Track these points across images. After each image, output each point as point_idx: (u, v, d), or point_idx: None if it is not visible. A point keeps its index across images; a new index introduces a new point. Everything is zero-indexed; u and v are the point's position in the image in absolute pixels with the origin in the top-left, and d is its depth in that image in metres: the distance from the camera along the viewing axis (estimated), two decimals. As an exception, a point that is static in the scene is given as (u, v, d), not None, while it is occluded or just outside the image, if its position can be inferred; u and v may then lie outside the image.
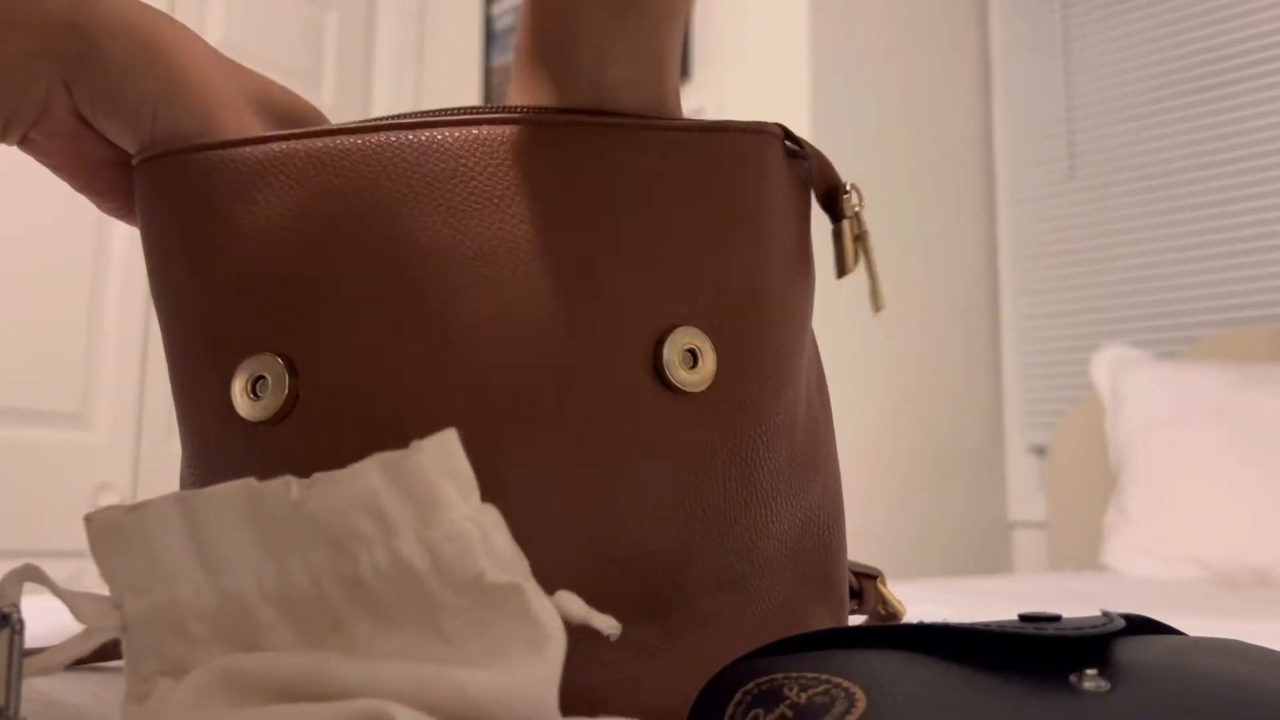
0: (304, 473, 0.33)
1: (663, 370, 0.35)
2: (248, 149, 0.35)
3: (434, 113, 0.36)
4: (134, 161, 0.38)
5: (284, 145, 0.35)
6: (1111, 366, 1.80)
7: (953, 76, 2.14)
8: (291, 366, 0.34)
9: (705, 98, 2.00)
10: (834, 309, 1.82)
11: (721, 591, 0.36)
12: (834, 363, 1.84)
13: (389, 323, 0.33)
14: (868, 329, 1.91)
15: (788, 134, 0.40)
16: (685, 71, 2.03)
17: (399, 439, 0.33)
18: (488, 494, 0.33)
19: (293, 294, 0.34)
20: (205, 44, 0.40)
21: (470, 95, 2.45)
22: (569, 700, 0.33)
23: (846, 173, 1.89)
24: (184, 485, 0.39)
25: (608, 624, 0.26)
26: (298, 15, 2.37)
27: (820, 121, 1.86)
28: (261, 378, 0.34)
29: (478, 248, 0.34)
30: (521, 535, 0.33)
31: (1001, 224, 2.17)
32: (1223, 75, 1.90)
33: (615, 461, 0.34)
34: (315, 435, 0.34)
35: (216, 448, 0.36)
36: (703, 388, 0.36)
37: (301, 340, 0.34)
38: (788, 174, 0.39)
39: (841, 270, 0.41)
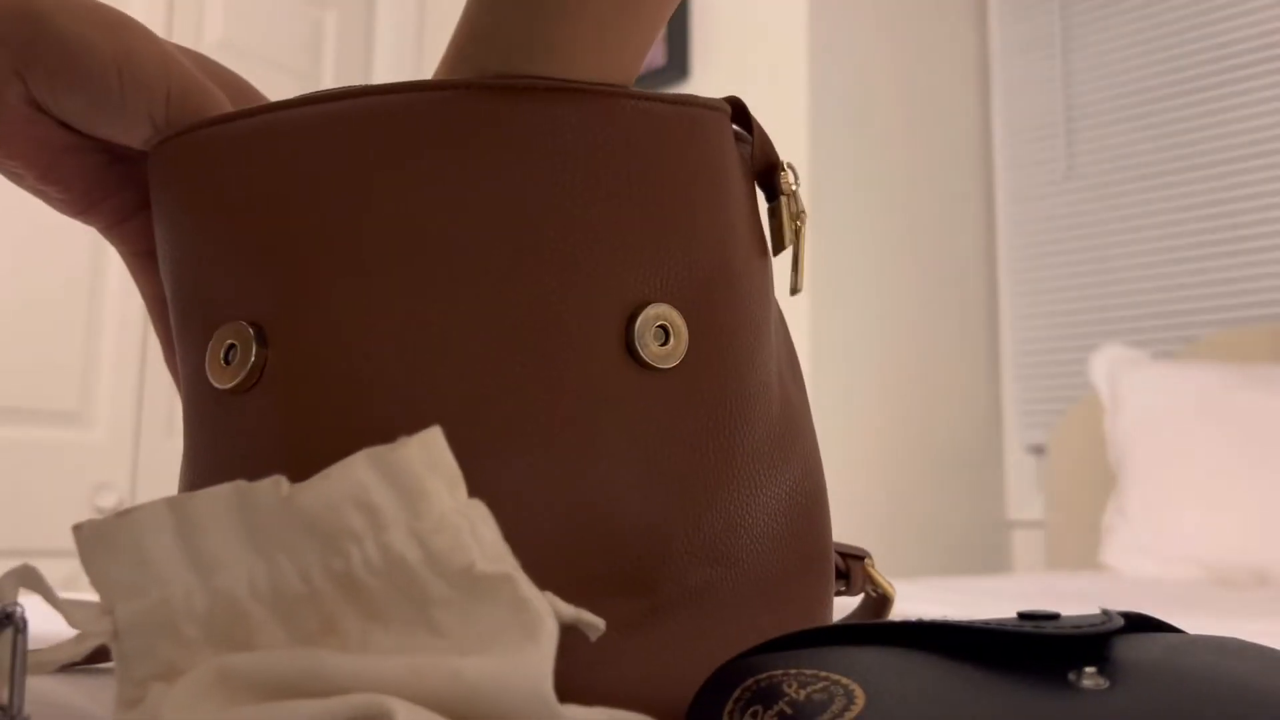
0: (273, 444, 0.33)
1: (634, 346, 0.35)
2: (240, 122, 0.35)
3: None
4: (149, 148, 0.38)
5: (270, 116, 0.35)
6: (1110, 366, 1.80)
7: (951, 75, 2.14)
8: (261, 335, 0.34)
9: (703, 95, 1.99)
10: (833, 307, 1.82)
11: (710, 566, 0.36)
12: (832, 362, 1.84)
13: (358, 294, 0.33)
14: (866, 327, 1.91)
15: (737, 112, 0.40)
16: (683, 69, 2.03)
17: (367, 412, 0.33)
18: (459, 467, 0.32)
19: (266, 263, 0.34)
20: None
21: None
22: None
23: (844, 170, 1.89)
24: (183, 461, 0.39)
25: (595, 622, 0.26)
26: (297, 15, 2.36)
27: (818, 120, 1.86)
28: (232, 345, 0.34)
29: (449, 218, 0.34)
30: (494, 509, 0.32)
31: (1000, 223, 2.17)
32: (1221, 74, 1.90)
33: (587, 435, 0.34)
34: (282, 405, 0.33)
35: (199, 419, 0.36)
36: (674, 363, 0.35)
37: (272, 309, 0.34)
38: (738, 151, 0.39)
39: (777, 247, 0.41)
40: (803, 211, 0.41)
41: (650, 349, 0.35)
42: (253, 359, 0.34)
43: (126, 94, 0.37)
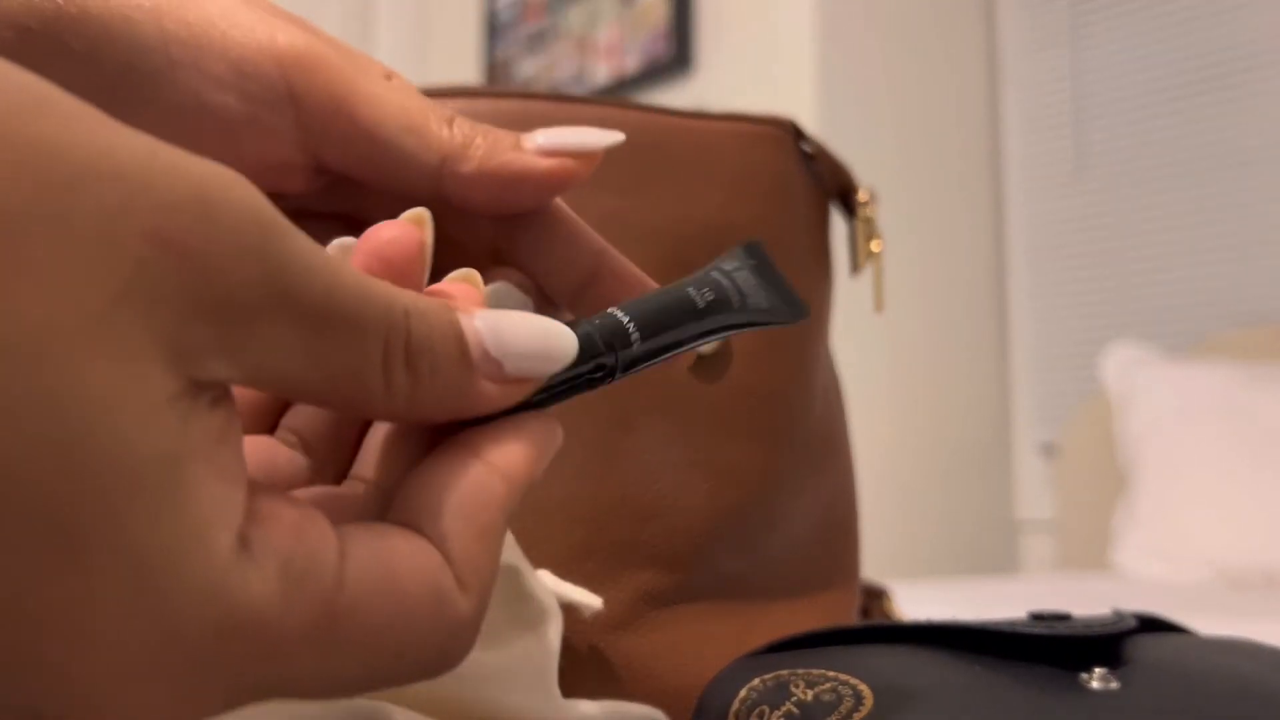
0: None
1: None
2: None
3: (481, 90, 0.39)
4: None
5: None
6: (1121, 364, 1.79)
7: (961, 72, 2.13)
8: None
9: (709, 91, 1.99)
10: (841, 306, 1.82)
11: (743, 557, 0.38)
12: (841, 361, 1.83)
13: None
14: (876, 326, 1.91)
15: (799, 132, 0.42)
16: (687, 62, 2.02)
17: None
18: None
19: None
20: None
21: (477, 92, 2.45)
22: (572, 632, 0.34)
23: (852, 166, 1.89)
24: None
25: (591, 602, 0.26)
26: (298, 8, 2.37)
27: (826, 116, 1.86)
28: None
29: None
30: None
31: (1010, 220, 2.17)
32: (1232, 70, 1.89)
33: (619, 408, 0.36)
34: None
35: None
36: (713, 348, 0.38)
37: None
38: (799, 166, 0.42)
39: (853, 267, 0.44)
40: (878, 236, 0.44)
41: None
42: None
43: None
